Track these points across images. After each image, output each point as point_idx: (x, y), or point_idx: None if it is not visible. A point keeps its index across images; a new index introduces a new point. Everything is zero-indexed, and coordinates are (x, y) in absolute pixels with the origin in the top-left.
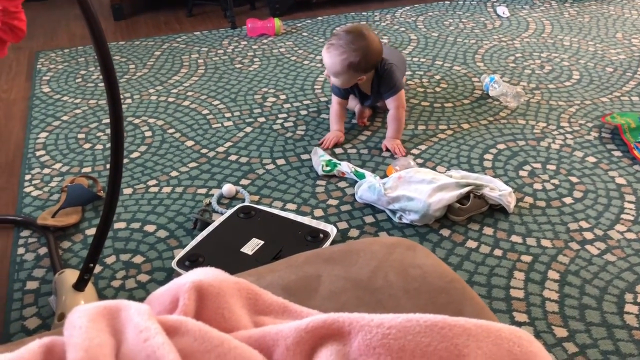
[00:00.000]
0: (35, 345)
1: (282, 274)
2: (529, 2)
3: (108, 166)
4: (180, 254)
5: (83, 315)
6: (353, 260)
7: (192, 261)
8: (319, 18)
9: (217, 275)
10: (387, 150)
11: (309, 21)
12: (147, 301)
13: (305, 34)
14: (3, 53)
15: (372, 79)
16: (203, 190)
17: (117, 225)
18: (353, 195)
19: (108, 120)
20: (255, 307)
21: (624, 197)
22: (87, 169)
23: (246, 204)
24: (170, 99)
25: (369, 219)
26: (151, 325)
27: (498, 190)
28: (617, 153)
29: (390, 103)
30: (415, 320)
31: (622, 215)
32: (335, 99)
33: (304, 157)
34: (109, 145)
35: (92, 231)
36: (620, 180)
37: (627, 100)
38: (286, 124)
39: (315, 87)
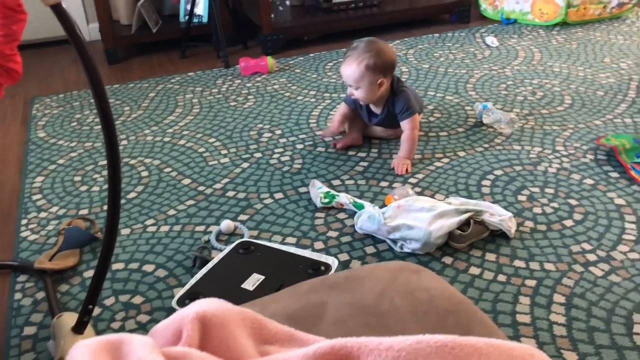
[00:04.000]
0: None
1: (286, 303)
2: (517, 32)
3: (105, 207)
4: (180, 292)
5: (85, 351)
6: (358, 286)
7: (192, 299)
8: (311, 55)
9: (220, 305)
10: (393, 169)
11: (301, 58)
12: (150, 334)
13: (298, 70)
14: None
15: (387, 98)
16: (201, 228)
17: (115, 266)
18: (353, 226)
19: (104, 162)
20: (260, 337)
21: (624, 218)
22: (84, 211)
23: (245, 239)
24: (166, 139)
25: (370, 250)
26: (155, 358)
27: (498, 215)
28: (614, 174)
29: (405, 125)
30: (426, 341)
31: (624, 236)
32: (343, 105)
33: (302, 190)
34: (105, 186)
35: (90, 273)
36: (619, 201)
37: (620, 122)
38: (283, 158)
39: (310, 121)
